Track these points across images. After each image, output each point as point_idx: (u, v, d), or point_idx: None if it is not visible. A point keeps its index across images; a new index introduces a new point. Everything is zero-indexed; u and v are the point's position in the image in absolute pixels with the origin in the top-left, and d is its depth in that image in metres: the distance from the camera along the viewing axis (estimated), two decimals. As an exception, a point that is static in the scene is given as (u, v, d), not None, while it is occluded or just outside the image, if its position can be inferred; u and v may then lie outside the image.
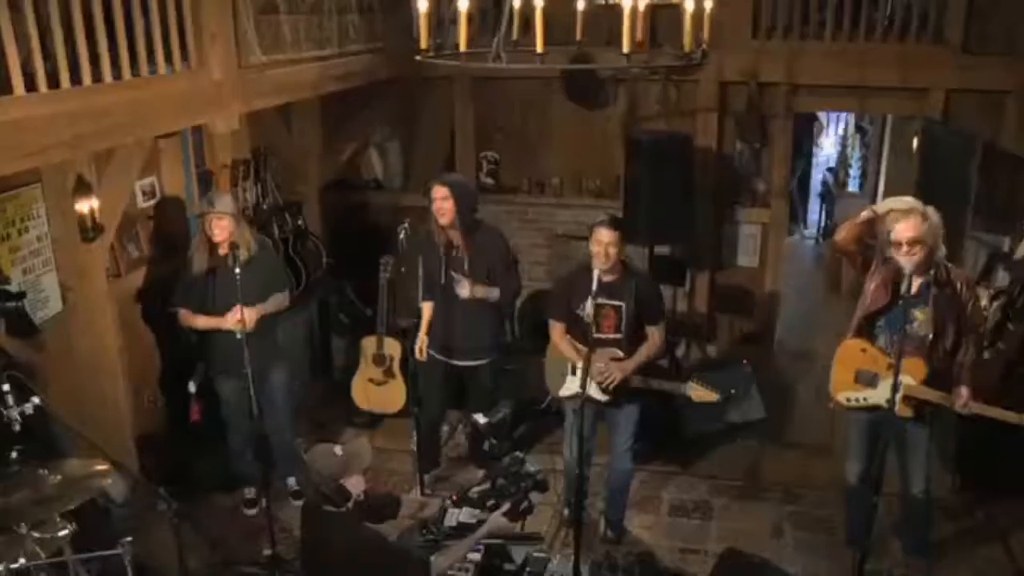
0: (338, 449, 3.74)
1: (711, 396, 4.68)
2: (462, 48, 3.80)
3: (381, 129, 7.84)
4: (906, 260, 4.32)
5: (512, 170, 7.83)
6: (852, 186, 10.11)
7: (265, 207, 6.79)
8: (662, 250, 7.08)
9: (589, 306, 4.57)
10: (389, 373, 6.56)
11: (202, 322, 5.24)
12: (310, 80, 5.82)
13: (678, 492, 6.00)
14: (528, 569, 4.68)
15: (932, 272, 4.46)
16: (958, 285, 4.50)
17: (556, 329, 5.13)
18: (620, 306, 4.83)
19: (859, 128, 9.97)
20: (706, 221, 7.37)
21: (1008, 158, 6.65)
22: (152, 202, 5.90)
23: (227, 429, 5.56)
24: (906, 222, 4.34)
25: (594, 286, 4.48)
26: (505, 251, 5.67)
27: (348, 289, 7.63)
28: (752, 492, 5.99)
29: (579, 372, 4.77)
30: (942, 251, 4.53)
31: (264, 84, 5.34)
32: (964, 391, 4.47)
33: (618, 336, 4.89)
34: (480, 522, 4.16)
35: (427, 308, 5.67)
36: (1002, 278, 6.21)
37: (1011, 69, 6.53)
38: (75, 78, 3.96)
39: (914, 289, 4.39)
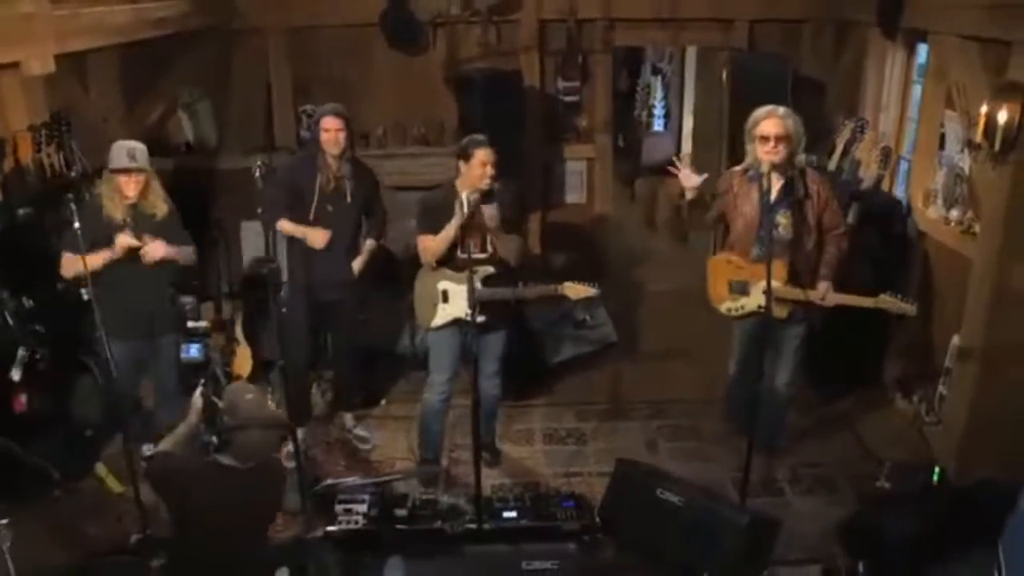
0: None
1: (588, 291, 4.75)
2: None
3: (190, 89, 7.34)
4: (768, 157, 4.50)
5: (334, 123, 7.48)
6: (657, 126, 10.50)
7: (74, 175, 6.19)
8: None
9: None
10: (232, 339, 6.15)
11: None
12: (124, 23, 5.33)
13: (548, 422, 6.02)
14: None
15: (790, 175, 4.68)
16: (814, 188, 4.72)
17: (426, 239, 4.87)
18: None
19: (656, 70, 10.32)
20: (533, 159, 7.41)
21: (808, 82, 7.09)
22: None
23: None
24: (769, 120, 4.53)
25: (466, 209, 4.54)
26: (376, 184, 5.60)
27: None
28: (619, 413, 6.11)
29: (452, 298, 4.79)
30: (802, 158, 4.76)
31: (80, 22, 4.86)
32: (823, 285, 4.71)
33: (485, 255, 4.83)
34: None
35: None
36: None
37: (805, -1, 6.97)
38: None
39: (775, 195, 4.59)
